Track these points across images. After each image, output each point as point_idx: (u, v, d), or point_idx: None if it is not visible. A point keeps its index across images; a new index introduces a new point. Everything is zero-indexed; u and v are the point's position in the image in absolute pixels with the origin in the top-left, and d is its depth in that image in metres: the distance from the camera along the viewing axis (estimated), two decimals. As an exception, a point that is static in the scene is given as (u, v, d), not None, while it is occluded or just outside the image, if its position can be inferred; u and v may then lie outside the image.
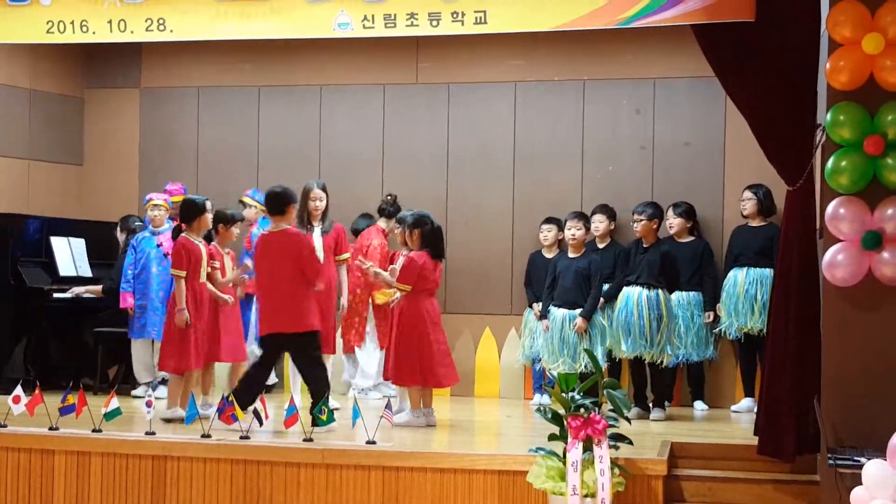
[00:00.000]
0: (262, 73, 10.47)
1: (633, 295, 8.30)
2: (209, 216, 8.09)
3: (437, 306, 7.97)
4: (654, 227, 8.49)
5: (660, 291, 8.28)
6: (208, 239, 8.13)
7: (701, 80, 9.03)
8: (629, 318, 8.26)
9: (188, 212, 8.04)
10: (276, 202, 7.64)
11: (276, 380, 9.82)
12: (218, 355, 8.19)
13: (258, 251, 7.68)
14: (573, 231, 8.82)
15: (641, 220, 8.46)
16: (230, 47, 9.83)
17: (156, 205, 9.36)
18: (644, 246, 8.44)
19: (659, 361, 8.30)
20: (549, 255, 9.33)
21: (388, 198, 9.61)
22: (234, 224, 8.33)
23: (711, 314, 8.89)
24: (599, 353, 8.40)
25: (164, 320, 8.09)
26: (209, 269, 8.03)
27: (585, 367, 8.24)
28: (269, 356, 7.69)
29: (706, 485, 6.63)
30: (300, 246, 7.58)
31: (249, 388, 7.45)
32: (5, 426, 7.19)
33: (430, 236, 7.92)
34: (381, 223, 9.58)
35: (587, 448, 6.04)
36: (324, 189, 8.53)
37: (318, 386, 7.49)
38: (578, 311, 8.51)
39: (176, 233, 8.06)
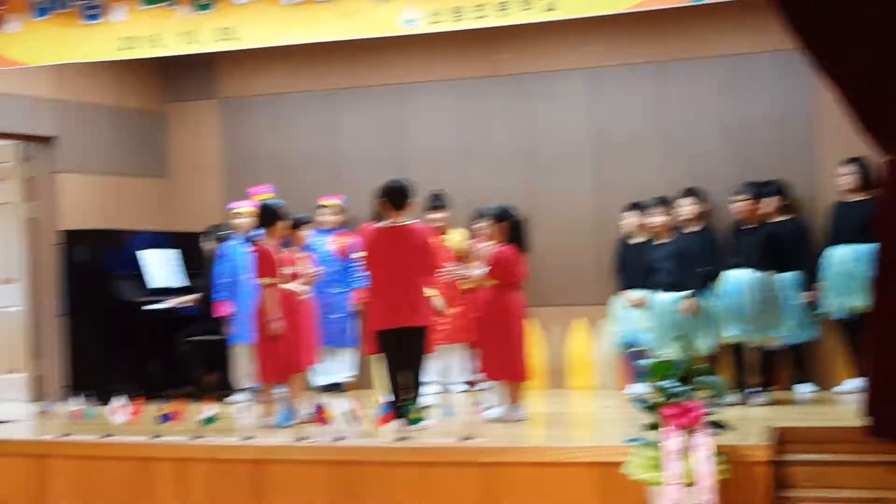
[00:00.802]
0: (339, 77, 10.47)
1: (738, 278, 8.16)
2: (286, 223, 8.07)
3: (524, 299, 7.89)
4: (756, 207, 8.34)
5: (766, 273, 8.14)
6: (285, 245, 8.11)
7: (785, 53, 8.79)
8: (735, 302, 8.13)
9: (266, 217, 7.99)
10: (398, 196, 7.51)
11: (349, 378, 9.87)
12: (311, 359, 8.22)
13: (373, 246, 7.55)
14: (657, 217, 8.72)
15: (742, 202, 8.33)
16: (305, 52, 9.85)
17: (238, 213, 9.45)
18: (746, 227, 8.30)
19: (765, 345, 8.15)
20: (635, 240, 9.21)
21: (433, 194, 9.63)
22: (302, 227, 8.33)
23: (811, 294, 8.66)
24: (709, 336, 8.27)
25: (253, 330, 8.05)
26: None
27: (696, 350, 8.12)
28: (394, 351, 7.51)
29: (816, 469, 6.43)
30: (427, 240, 7.54)
31: (398, 396, 7.35)
32: (109, 436, 7.31)
33: (515, 229, 7.84)
34: (431, 218, 9.55)
35: (685, 436, 5.91)
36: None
37: (418, 383, 7.45)
38: (681, 293, 8.39)
39: (252, 238, 8.05)
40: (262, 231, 8.00)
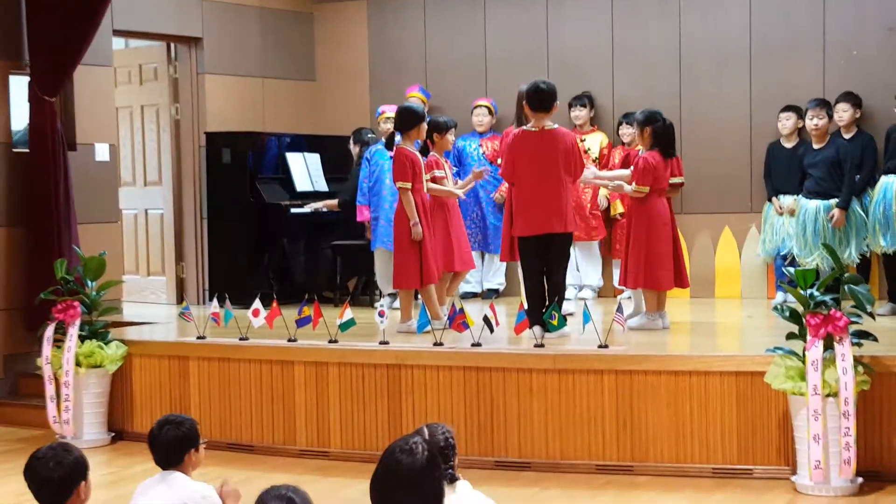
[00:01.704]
0: (487, -25, 10.26)
1: (893, 184, 7.83)
2: (426, 126, 7.86)
3: (669, 207, 7.64)
4: None
5: (923, 181, 7.78)
6: (424, 150, 7.91)
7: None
8: (888, 211, 7.81)
9: (406, 120, 7.78)
10: (542, 99, 7.18)
11: (503, 284, 9.78)
12: (452, 265, 8.10)
13: (517, 151, 7.27)
14: (815, 120, 8.37)
15: None
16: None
17: (388, 118, 9.31)
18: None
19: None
20: (788, 144, 8.86)
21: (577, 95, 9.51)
22: (448, 131, 8.12)
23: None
24: (853, 247, 8.01)
25: (392, 236, 7.96)
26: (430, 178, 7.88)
27: (849, 256, 8.00)
28: (535, 261, 7.31)
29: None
30: (574, 144, 7.30)
31: (537, 303, 7.19)
32: (247, 339, 7.36)
33: (662, 134, 7.55)
34: (577, 113, 9.48)
35: (828, 346, 5.68)
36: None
37: (561, 290, 7.29)
38: (832, 201, 8.09)
39: (390, 141, 7.90)
40: (401, 134, 7.87)
